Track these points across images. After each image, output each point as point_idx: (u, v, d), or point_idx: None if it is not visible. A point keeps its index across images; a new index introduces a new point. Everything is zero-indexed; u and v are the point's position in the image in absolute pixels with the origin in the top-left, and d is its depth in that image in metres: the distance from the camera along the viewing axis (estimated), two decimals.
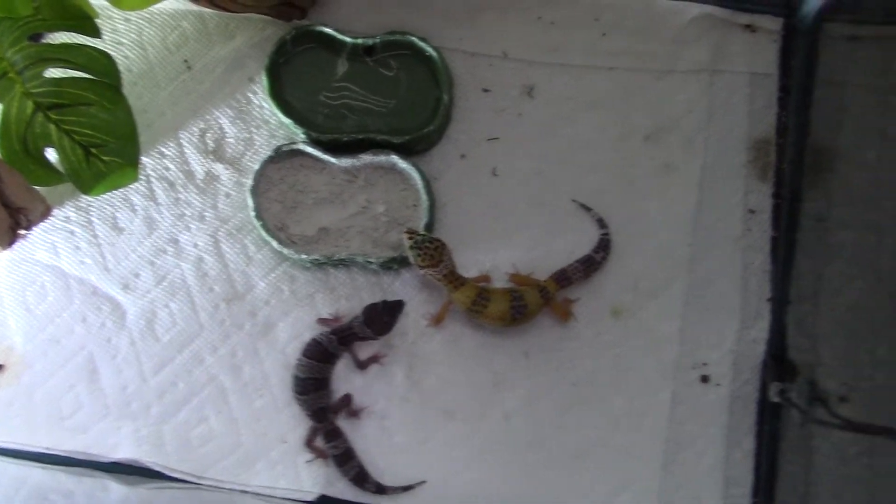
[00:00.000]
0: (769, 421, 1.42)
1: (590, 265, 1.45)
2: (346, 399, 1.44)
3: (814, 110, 1.53)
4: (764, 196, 1.51)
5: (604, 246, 1.46)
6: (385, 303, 1.43)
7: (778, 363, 1.41)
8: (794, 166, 1.51)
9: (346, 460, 1.41)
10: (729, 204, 1.50)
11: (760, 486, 1.41)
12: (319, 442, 1.43)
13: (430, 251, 1.38)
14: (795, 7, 1.55)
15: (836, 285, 1.47)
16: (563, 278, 1.44)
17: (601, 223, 1.48)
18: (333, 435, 1.42)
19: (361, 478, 1.41)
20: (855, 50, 1.55)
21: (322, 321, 1.48)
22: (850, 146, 1.52)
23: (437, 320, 1.46)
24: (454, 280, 1.40)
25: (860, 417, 1.38)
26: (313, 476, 1.43)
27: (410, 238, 1.39)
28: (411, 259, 1.39)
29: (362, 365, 1.46)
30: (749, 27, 1.57)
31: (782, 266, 1.47)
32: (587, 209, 1.49)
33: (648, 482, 1.41)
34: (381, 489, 1.41)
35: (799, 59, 1.55)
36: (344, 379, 1.46)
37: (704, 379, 1.44)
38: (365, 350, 1.47)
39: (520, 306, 1.39)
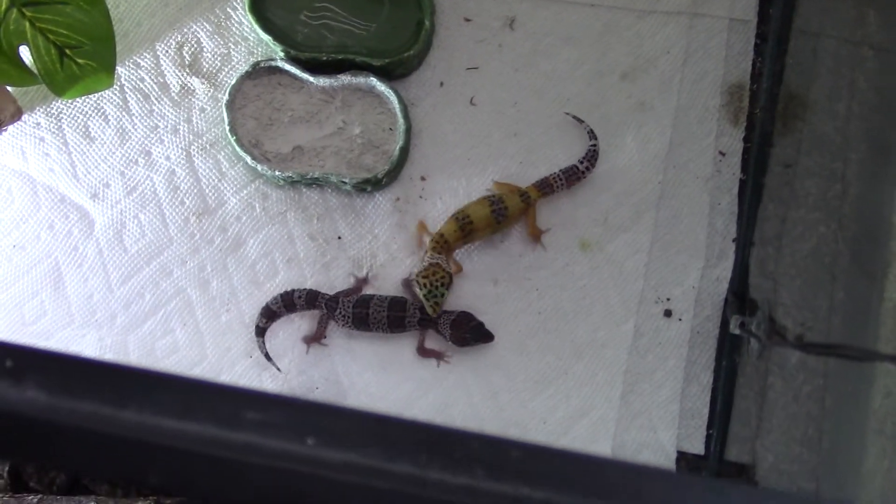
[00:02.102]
0: (727, 357, 1.46)
1: (572, 174, 1.47)
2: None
3: (789, 59, 1.55)
4: (735, 139, 1.53)
5: (590, 157, 1.48)
6: (481, 326, 1.42)
7: (739, 300, 1.44)
8: (766, 113, 1.54)
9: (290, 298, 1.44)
10: (701, 145, 1.53)
11: (715, 419, 1.44)
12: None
13: (442, 291, 1.40)
14: None
15: (799, 230, 1.50)
16: (546, 185, 1.46)
17: (591, 134, 1.49)
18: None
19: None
20: (830, 1, 1.58)
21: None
22: (822, 96, 1.55)
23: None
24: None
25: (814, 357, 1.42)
26: (276, 391, 1.44)
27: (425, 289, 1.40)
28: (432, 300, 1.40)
29: (424, 354, 1.46)
30: None
31: (748, 208, 1.50)
32: (580, 121, 1.51)
33: (606, 410, 1.44)
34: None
35: (777, 7, 1.57)
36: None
37: (667, 313, 1.47)
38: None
39: (500, 209, 1.42)
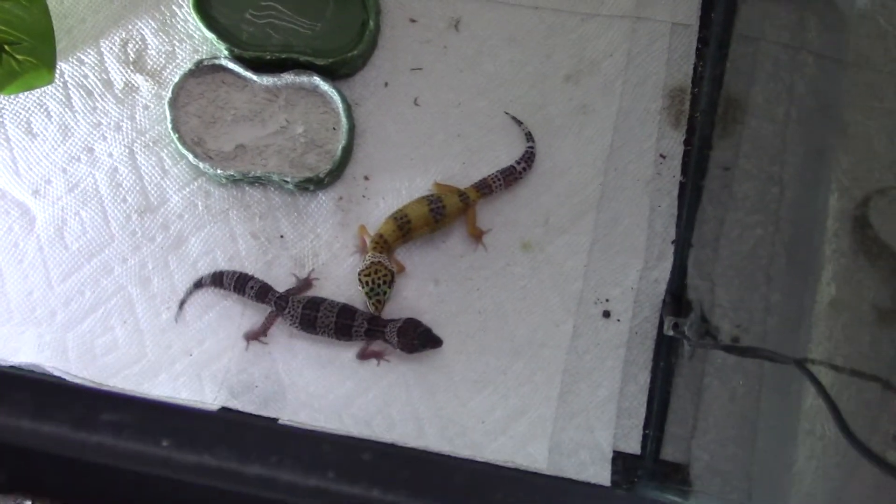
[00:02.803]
0: (664, 357, 1.48)
1: (510, 175, 1.49)
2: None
3: (729, 63, 1.57)
4: (675, 142, 1.55)
5: (527, 158, 1.50)
6: (429, 332, 1.42)
7: (676, 301, 1.46)
8: (707, 116, 1.55)
9: (244, 283, 1.45)
10: (641, 148, 1.54)
11: (652, 418, 1.46)
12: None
13: (384, 289, 1.41)
14: None
15: (736, 232, 1.52)
16: (484, 186, 1.48)
17: (529, 136, 1.51)
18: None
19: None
20: (771, 7, 1.60)
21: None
22: (761, 100, 1.57)
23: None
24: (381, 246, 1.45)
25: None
26: (216, 389, 1.44)
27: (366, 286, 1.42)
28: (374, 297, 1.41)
29: (364, 356, 1.46)
30: None
31: (687, 210, 1.52)
32: (518, 122, 1.52)
33: (544, 410, 1.45)
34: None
35: (718, 12, 1.59)
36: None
37: (606, 314, 1.49)
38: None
39: (438, 207, 1.44)
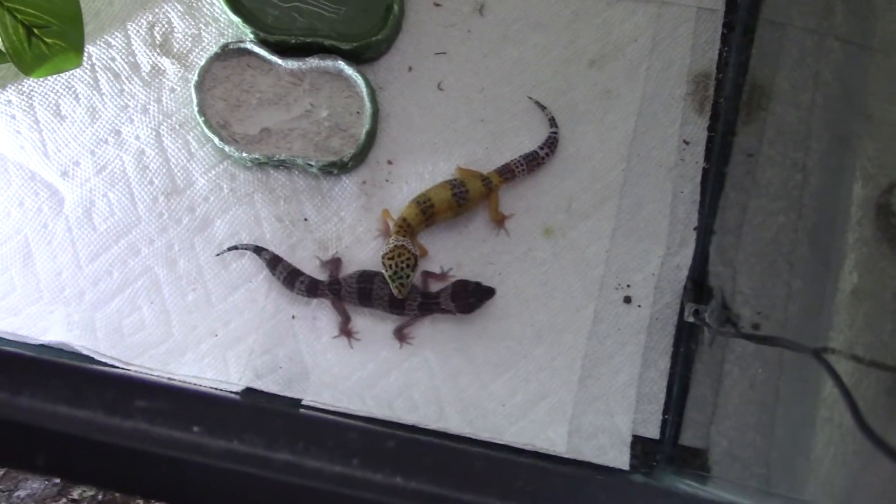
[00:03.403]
0: (685, 343, 1.48)
1: (533, 160, 1.50)
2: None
3: (755, 49, 1.56)
4: (699, 128, 1.55)
5: (550, 143, 1.51)
6: (478, 285, 1.44)
7: (697, 287, 1.46)
8: (731, 102, 1.55)
9: (275, 264, 1.46)
10: (665, 134, 1.54)
11: (671, 404, 1.47)
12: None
13: (408, 273, 1.42)
14: None
15: (759, 219, 1.52)
16: (507, 171, 1.49)
17: (552, 122, 1.52)
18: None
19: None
20: None
21: (428, 275, 1.50)
22: (786, 87, 1.56)
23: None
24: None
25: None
26: (241, 370, 1.46)
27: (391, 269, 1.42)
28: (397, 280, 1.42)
29: (401, 337, 1.48)
30: None
31: (710, 197, 1.52)
32: (542, 107, 1.53)
33: (564, 394, 1.46)
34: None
35: None
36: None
37: (627, 300, 1.49)
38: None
39: (461, 192, 1.45)
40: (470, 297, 1.43)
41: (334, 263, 1.49)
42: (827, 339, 1.42)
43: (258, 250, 1.46)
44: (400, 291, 1.42)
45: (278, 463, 0.44)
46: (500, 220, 1.50)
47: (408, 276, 1.42)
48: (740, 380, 1.47)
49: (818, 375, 1.38)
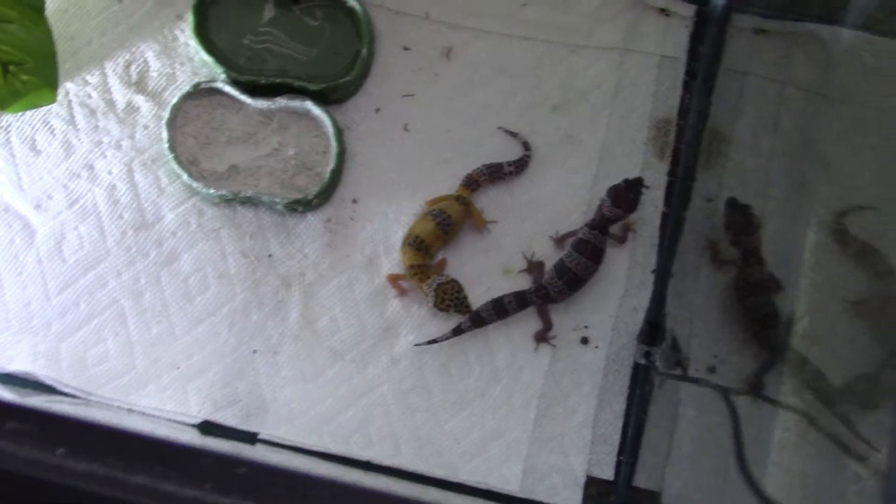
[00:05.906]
0: (640, 385, 1.49)
1: (495, 171, 1.54)
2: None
3: (715, 96, 1.59)
4: (660, 173, 1.57)
5: (519, 163, 1.55)
6: (627, 182, 1.46)
7: (652, 329, 1.48)
8: (691, 148, 1.58)
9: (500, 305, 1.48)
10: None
11: (626, 445, 1.47)
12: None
13: (462, 296, 1.47)
14: None
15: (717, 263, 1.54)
16: (471, 181, 1.53)
17: (526, 146, 1.56)
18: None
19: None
20: (759, 42, 1.62)
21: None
22: (746, 134, 1.59)
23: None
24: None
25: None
26: (201, 402, 1.48)
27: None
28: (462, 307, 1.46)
29: (623, 239, 1.52)
30: (664, 11, 1.64)
31: (669, 241, 1.54)
32: (513, 134, 1.57)
33: (520, 433, 1.47)
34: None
35: (707, 45, 1.62)
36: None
37: (584, 340, 1.51)
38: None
39: (444, 219, 1.48)
40: (629, 195, 1.45)
41: (538, 268, 1.52)
42: (780, 382, 1.44)
43: (476, 322, 1.48)
44: (467, 312, 1.45)
45: (137, 486, 0.46)
46: (484, 224, 1.54)
47: (465, 298, 1.46)
48: (695, 422, 1.48)
49: (771, 421, 1.39)
